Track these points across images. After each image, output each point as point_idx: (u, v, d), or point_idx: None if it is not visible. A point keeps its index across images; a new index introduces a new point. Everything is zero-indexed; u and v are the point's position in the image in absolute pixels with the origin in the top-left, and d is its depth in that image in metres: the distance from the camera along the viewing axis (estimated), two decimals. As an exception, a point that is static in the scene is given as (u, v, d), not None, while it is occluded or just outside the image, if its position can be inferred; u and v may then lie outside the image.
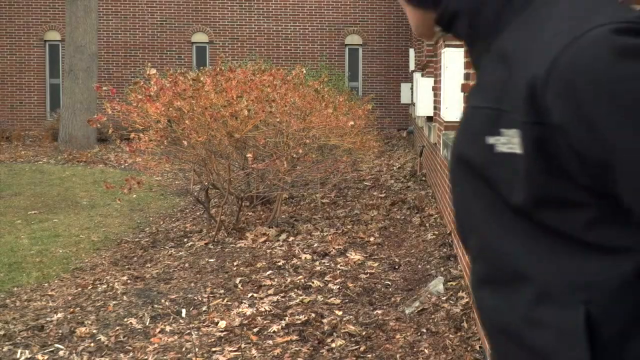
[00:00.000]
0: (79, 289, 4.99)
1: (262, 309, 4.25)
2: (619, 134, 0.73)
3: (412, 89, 14.92)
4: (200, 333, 3.96)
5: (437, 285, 4.53)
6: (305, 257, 5.45)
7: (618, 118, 0.72)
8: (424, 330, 3.89)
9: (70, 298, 4.80)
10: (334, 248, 5.68)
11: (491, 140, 0.83)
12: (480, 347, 3.58)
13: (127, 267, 5.62)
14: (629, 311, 0.77)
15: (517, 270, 0.84)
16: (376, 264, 5.23)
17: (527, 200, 0.81)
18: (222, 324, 4.05)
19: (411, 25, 0.99)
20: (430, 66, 8.95)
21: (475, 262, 0.93)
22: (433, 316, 4.09)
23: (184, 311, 4.35)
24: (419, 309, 4.19)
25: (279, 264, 5.30)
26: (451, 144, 0.95)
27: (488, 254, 0.89)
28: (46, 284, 5.22)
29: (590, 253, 0.80)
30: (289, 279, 4.88)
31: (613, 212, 0.78)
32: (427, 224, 6.42)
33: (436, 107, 7.32)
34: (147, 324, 4.15)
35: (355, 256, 5.41)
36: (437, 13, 0.93)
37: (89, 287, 5.01)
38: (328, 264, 5.25)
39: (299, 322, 4.01)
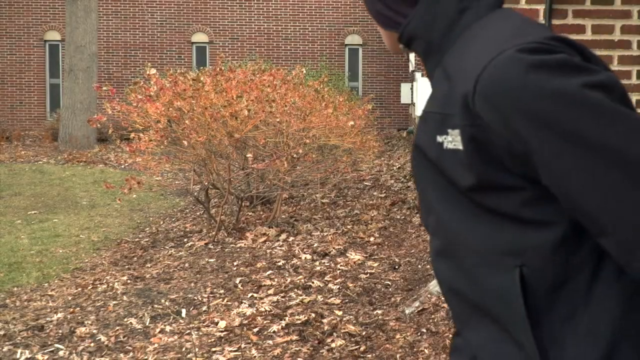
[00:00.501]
0: (79, 289, 4.99)
1: (262, 309, 4.25)
2: (529, 130, 0.92)
3: (412, 89, 14.92)
4: (200, 333, 3.96)
5: (437, 285, 4.53)
6: (305, 257, 5.45)
7: (527, 118, 0.92)
8: (424, 330, 3.89)
9: (70, 298, 4.80)
10: (334, 248, 5.68)
11: (440, 138, 1.03)
12: (480, 347, 3.59)
13: (127, 267, 5.62)
14: (556, 271, 0.97)
15: (463, 243, 1.05)
16: (376, 264, 5.23)
17: (470, 186, 1.00)
18: (222, 324, 4.05)
19: (384, 42, 1.22)
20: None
21: (433, 237, 1.12)
22: (433, 316, 4.09)
23: (184, 311, 4.35)
24: (419, 309, 4.19)
25: (279, 264, 5.30)
26: (415, 134, 1.15)
27: (441, 231, 1.09)
28: (46, 284, 5.22)
29: (524, 226, 0.99)
30: (289, 279, 4.88)
31: (543, 193, 0.97)
32: (427, 224, 6.42)
33: (436, 107, 7.30)
34: (147, 324, 4.15)
35: (355, 256, 5.41)
36: (398, 34, 1.14)
37: (89, 287, 5.01)
38: (328, 264, 5.25)
39: (299, 322, 4.01)
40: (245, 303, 4.42)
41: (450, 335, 3.81)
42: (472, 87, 0.97)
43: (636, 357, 0.98)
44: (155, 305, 4.48)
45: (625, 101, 0.96)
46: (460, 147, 1.00)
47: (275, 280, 4.88)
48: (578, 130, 0.91)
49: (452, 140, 1.01)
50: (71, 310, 4.48)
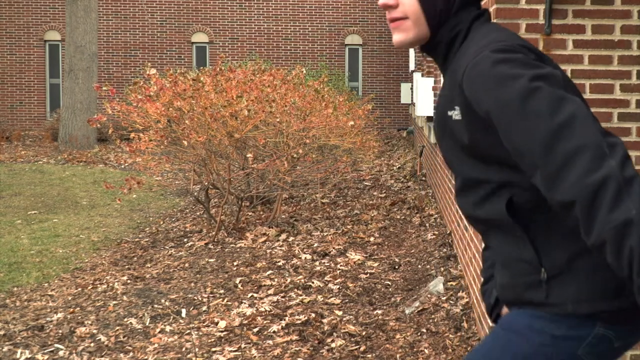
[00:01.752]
0: (79, 289, 4.99)
1: (262, 309, 4.25)
2: (490, 103, 1.41)
3: (412, 89, 14.92)
4: (200, 333, 3.96)
5: (437, 285, 4.53)
6: (305, 257, 5.45)
7: (489, 95, 1.40)
8: (424, 330, 3.89)
9: (70, 298, 4.80)
10: (334, 248, 5.68)
11: (449, 113, 1.54)
12: (480, 347, 3.59)
13: (127, 267, 5.62)
14: (534, 198, 1.49)
15: (472, 180, 1.56)
16: (376, 264, 5.23)
17: (468, 143, 1.52)
18: (222, 324, 4.05)
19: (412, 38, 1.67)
20: (430, 66, 8.96)
21: (456, 179, 1.63)
22: (433, 316, 4.09)
23: (184, 311, 4.35)
24: (419, 309, 4.19)
25: (279, 264, 5.30)
26: (435, 111, 1.66)
27: (459, 174, 1.60)
28: (46, 284, 5.22)
29: (511, 169, 1.49)
30: (289, 279, 4.88)
31: None
32: (427, 224, 6.42)
33: (436, 107, 7.30)
34: (147, 324, 4.15)
35: (355, 256, 5.41)
36: (431, 40, 1.63)
37: (89, 287, 5.01)
38: (328, 264, 5.25)
39: (299, 322, 4.01)
40: (245, 303, 4.42)
41: (450, 335, 3.82)
42: (461, 76, 1.47)
43: (589, 259, 1.51)
44: (155, 305, 4.48)
45: (562, 88, 1.40)
46: (460, 117, 1.51)
47: (275, 280, 4.88)
48: (522, 102, 1.37)
49: (458, 113, 1.51)
50: (71, 310, 4.48)
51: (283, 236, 6.20)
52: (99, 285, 5.04)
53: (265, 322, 4.06)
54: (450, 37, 1.59)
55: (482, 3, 3.56)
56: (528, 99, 1.37)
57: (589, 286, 1.51)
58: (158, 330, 4.04)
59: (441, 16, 1.60)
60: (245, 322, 4.07)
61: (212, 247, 6.02)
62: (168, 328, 4.06)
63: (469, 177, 1.58)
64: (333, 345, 3.70)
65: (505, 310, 1.73)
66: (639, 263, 1.27)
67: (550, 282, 1.53)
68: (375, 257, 5.46)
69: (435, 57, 1.64)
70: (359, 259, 5.34)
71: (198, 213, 7.68)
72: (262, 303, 4.38)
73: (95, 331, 4.05)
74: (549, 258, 1.53)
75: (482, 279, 1.76)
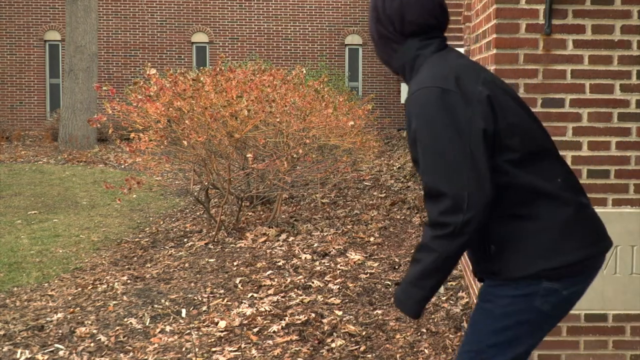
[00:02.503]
0: (79, 289, 4.99)
1: (262, 309, 4.25)
2: (418, 131, 1.87)
3: (412, 89, 14.87)
4: (200, 333, 3.96)
5: (437, 285, 4.53)
6: (305, 257, 5.45)
7: (417, 129, 1.87)
8: (424, 330, 3.89)
9: (70, 298, 4.80)
10: (334, 248, 5.68)
11: (409, 122, 1.91)
12: (480, 347, 3.58)
13: (127, 267, 5.62)
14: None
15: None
16: (376, 264, 5.23)
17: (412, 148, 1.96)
18: (222, 324, 4.05)
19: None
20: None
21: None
22: (433, 316, 4.09)
23: (184, 311, 4.35)
24: (419, 309, 4.18)
25: (279, 264, 5.30)
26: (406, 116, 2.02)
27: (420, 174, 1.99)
28: (46, 284, 5.22)
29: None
30: (289, 279, 4.88)
31: None
32: (427, 224, 6.42)
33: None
34: (147, 324, 4.15)
35: (355, 256, 5.41)
36: (391, 67, 2.10)
37: (89, 287, 5.01)
38: (328, 264, 5.25)
39: (299, 322, 4.01)
40: (245, 303, 4.42)
41: (450, 335, 3.81)
42: (406, 101, 1.93)
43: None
44: (155, 305, 4.48)
45: (462, 117, 1.85)
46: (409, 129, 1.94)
47: (275, 280, 4.88)
48: (425, 131, 1.87)
49: (410, 125, 1.91)
50: (71, 310, 4.48)
51: (283, 236, 6.20)
52: (99, 285, 5.04)
53: (265, 322, 4.06)
54: (406, 69, 2.04)
55: (482, 4, 3.55)
56: (429, 134, 1.87)
57: (529, 253, 1.89)
58: (158, 330, 4.04)
59: (386, 55, 2.10)
60: (245, 322, 4.07)
61: (212, 247, 6.02)
62: (168, 328, 4.06)
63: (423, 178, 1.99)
64: (333, 345, 3.70)
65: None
66: (418, 271, 1.90)
67: (498, 255, 1.93)
68: (375, 257, 5.46)
69: (407, 83, 2.07)
70: (359, 259, 5.34)
71: (198, 213, 7.68)
72: (262, 303, 4.38)
73: (95, 331, 4.05)
74: (494, 237, 1.92)
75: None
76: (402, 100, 16.26)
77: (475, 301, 3.88)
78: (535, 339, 1.98)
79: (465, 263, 4.52)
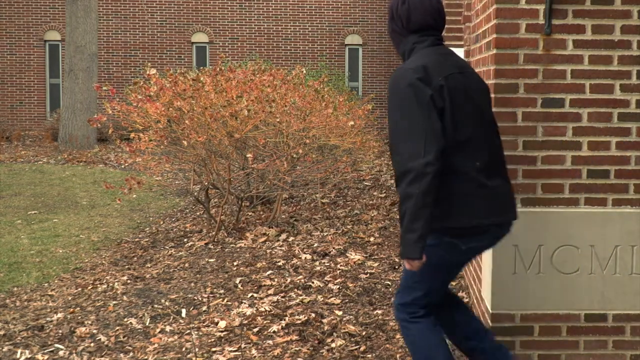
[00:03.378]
0: (79, 289, 4.99)
1: (262, 309, 4.25)
2: (389, 107, 2.57)
3: (412, 89, 14.87)
4: (200, 333, 3.96)
5: (437, 285, 4.53)
6: (305, 257, 5.45)
7: (390, 101, 2.56)
8: (424, 330, 3.88)
9: (70, 298, 4.81)
10: (334, 248, 5.68)
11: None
12: (480, 347, 3.59)
13: (127, 267, 5.62)
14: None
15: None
16: (376, 264, 5.23)
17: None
18: (222, 324, 4.05)
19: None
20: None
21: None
22: (433, 316, 4.08)
23: (184, 311, 4.35)
24: (419, 309, 4.18)
25: (279, 264, 5.30)
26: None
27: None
28: (46, 284, 5.22)
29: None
30: (289, 279, 4.88)
31: None
32: (427, 224, 6.42)
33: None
34: (147, 324, 4.15)
35: (355, 256, 5.41)
36: (399, 54, 2.76)
37: (89, 287, 5.01)
38: (328, 264, 5.25)
39: (299, 322, 4.01)
40: (245, 303, 4.42)
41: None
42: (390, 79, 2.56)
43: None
44: (155, 305, 4.48)
45: (425, 99, 2.48)
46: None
47: (275, 280, 4.88)
48: (396, 102, 2.52)
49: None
50: (71, 310, 4.48)
51: (283, 236, 6.20)
52: (99, 285, 5.04)
53: (265, 322, 4.06)
54: (405, 55, 2.70)
55: (482, 4, 3.56)
56: (397, 109, 2.53)
57: (436, 213, 2.50)
58: (158, 330, 4.05)
59: (397, 41, 2.76)
60: (245, 322, 4.07)
61: (212, 247, 6.02)
62: (168, 328, 4.06)
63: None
64: (333, 345, 3.70)
65: None
66: (406, 217, 2.46)
67: None
68: (375, 257, 5.46)
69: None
70: (359, 259, 5.34)
71: (198, 213, 7.68)
72: (262, 303, 4.38)
73: (95, 331, 4.05)
74: None
75: None
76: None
77: (475, 297, 3.88)
78: (447, 276, 2.71)
79: (465, 263, 4.52)
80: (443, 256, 2.61)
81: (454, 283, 4.67)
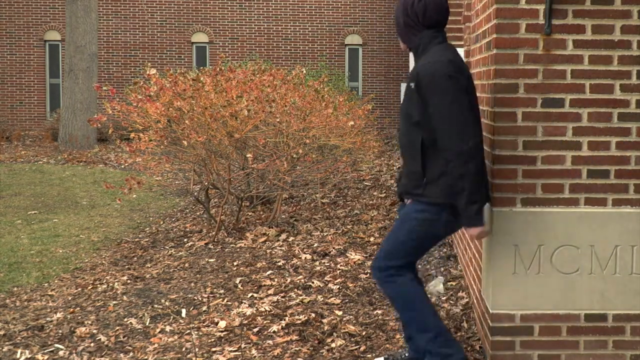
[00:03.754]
0: (79, 289, 5.00)
1: (262, 309, 4.25)
2: (427, 91, 2.87)
3: (412, 89, 14.87)
4: (200, 333, 3.96)
5: (437, 285, 4.54)
6: (305, 257, 5.45)
7: (431, 90, 2.85)
8: (424, 330, 3.88)
9: (70, 298, 4.81)
10: (334, 248, 5.68)
11: (411, 85, 2.94)
12: (480, 347, 3.59)
13: (127, 267, 5.62)
14: (429, 138, 2.93)
15: (406, 117, 3.02)
16: (376, 264, 5.23)
17: (413, 100, 2.97)
18: (222, 324, 4.05)
19: (401, 46, 3.25)
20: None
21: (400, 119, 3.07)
22: (433, 316, 4.08)
23: (184, 311, 4.36)
24: (419, 309, 4.18)
25: (279, 264, 5.30)
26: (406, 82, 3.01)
27: (402, 113, 3.06)
28: (46, 284, 5.22)
29: (424, 127, 2.95)
30: (289, 279, 4.88)
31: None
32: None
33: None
34: (147, 324, 4.16)
35: (355, 256, 5.41)
36: (408, 46, 3.13)
37: (89, 287, 5.01)
38: (328, 264, 5.25)
39: (299, 322, 4.01)
40: (245, 303, 4.42)
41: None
42: (417, 71, 2.88)
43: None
44: (155, 305, 4.48)
45: (462, 85, 2.86)
46: (413, 87, 2.91)
47: (275, 280, 4.88)
48: (440, 91, 2.84)
49: (413, 84, 2.90)
50: (71, 310, 4.48)
51: (283, 236, 6.20)
52: (99, 285, 5.04)
53: (265, 322, 4.06)
54: (420, 49, 3.02)
55: (482, 4, 3.56)
56: (441, 95, 2.84)
57: (443, 190, 2.93)
58: (158, 330, 4.05)
59: (409, 37, 3.07)
60: (245, 322, 4.07)
61: (212, 247, 6.03)
62: (168, 328, 4.06)
63: (406, 119, 2.98)
64: (333, 345, 3.70)
65: (407, 201, 3.11)
66: (463, 192, 2.84)
67: (426, 185, 2.96)
68: (375, 257, 5.46)
69: (414, 56, 3.07)
70: (359, 259, 5.34)
71: (198, 213, 7.68)
72: (262, 303, 4.39)
73: (95, 331, 4.05)
74: (430, 172, 2.95)
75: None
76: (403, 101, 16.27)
77: (475, 297, 3.88)
78: (432, 245, 3.10)
79: (464, 264, 4.52)
80: (438, 230, 3.01)
81: (454, 283, 4.68)
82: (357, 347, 3.68)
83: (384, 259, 3.07)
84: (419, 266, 5.15)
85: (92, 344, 3.86)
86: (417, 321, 3.08)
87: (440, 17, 2.99)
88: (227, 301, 4.50)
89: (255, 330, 3.96)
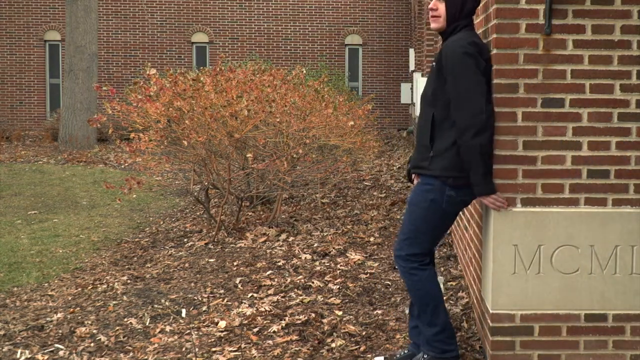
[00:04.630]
0: (79, 289, 5.00)
1: (262, 309, 4.25)
2: (449, 66, 3.12)
3: (412, 88, 14.91)
4: (200, 333, 3.96)
5: (437, 285, 4.53)
6: (305, 257, 5.45)
7: (450, 62, 3.10)
8: (424, 330, 3.88)
9: (70, 298, 4.81)
10: (334, 248, 5.68)
11: (433, 63, 3.28)
12: (480, 347, 3.59)
13: (127, 267, 5.62)
14: (442, 115, 3.19)
15: (430, 94, 3.27)
16: (376, 264, 5.23)
17: (437, 77, 3.25)
18: (222, 324, 4.05)
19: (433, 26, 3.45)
20: (429, 66, 8.96)
21: (424, 94, 3.34)
22: (433, 316, 4.08)
23: (184, 311, 4.36)
24: (419, 309, 4.18)
25: (279, 264, 5.30)
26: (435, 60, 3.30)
27: (427, 90, 3.29)
28: (46, 284, 5.22)
29: (437, 103, 3.22)
30: (289, 279, 4.88)
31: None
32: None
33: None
34: (147, 324, 4.16)
35: (355, 256, 5.41)
36: (445, 27, 3.30)
37: (89, 287, 5.01)
38: (328, 264, 5.25)
39: (299, 322, 4.01)
40: (245, 303, 4.42)
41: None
42: (446, 47, 3.15)
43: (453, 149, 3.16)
44: (155, 305, 4.48)
45: (480, 66, 3.11)
46: (435, 65, 3.23)
47: (275, 280, 4.88)
48: (460, 70, 3.09)
49: (438, 62, 3.19)
50: (71, 310, 4.48)
51: (283, 236, 6.20)
52: (99, 285, 5.04)
53: (265, 322, 4.06)
54: (451, 30, 3.23)
55: (482, 4, 3.57)
56: (463, 72, 3.08)
57: (447, 165, 3.15)
58: (158, 330, 4.05)
59: (453, 20, 3.21)
60: (245, 322, 4.07)
61: (212, 247, 6.03)
62: (168, 328, 4.06)
63: (430, 92, 3.22)
64: (333, 345, 3.70)
65: (415, 180, 3.43)
66: (476, 163, 3.05)
67: (432, 158, 3.19)
68: (375, 257, 5.46)
69: (443, 36, 3.29)
70: (359, 259, 5.34)
71: (198, 213, 7.68)
72: (262, 303, 4.39)
73: (95, 331, 4.05)
74: (437, 144, 3.18)
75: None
76: (402, 101, 16.28)
77: (475, 297, 3.88)
78: (446, 226, 3.30)
79: (464, 264, 4.52)
80: (444, 208, 3.21)
81: (454, 283, 4.67)
82: (357, 347, 3.68)
83: (406, 248, 3.26)
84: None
85: (92, 344, 3.86)
86: (428, 315, 3.27)
87: (476, 4, 3.27)
88: (227, 301, 4.50)
89: (255, 330, 3.96)
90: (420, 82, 8.74)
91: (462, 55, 3.04)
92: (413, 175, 3.46)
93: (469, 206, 4.11)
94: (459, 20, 3.20)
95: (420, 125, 3.26)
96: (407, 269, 3.25)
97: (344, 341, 3.74)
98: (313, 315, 4.10)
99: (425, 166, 3.20)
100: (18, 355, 3.75)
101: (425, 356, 3.31)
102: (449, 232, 5.86)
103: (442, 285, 4.45)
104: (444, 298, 4.34)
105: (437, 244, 3.35)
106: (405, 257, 3.25)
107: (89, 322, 4.21)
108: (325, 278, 4.89)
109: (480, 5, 3.62)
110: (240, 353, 3.65)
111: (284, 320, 4.05)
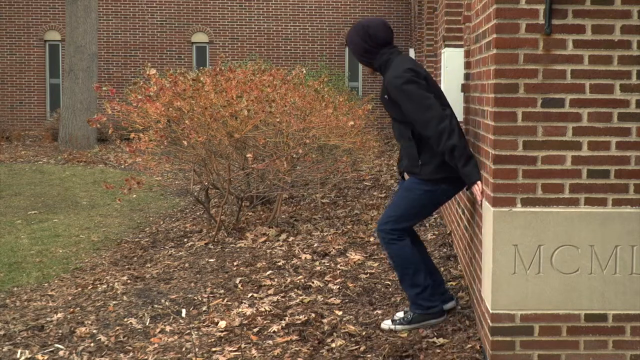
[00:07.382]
0: (79, 289, 5.00)
1: (262, 309, 4.25)
2: (402, 102, 3.69)
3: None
4: (200, 333, 3.96)
5: (437, 285, 4.53)
6: (305, 257, 5.45)
7: (401, 97, 3.66)
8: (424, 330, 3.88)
9: (70, 298, 4.81)
10: (334, 248, 5.68)
11: (385, 96, 3.82)
12: (480, 347, 3.59)
13: (127, 267, 5.62)
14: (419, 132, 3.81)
15: (396, 120, 3.87)
16: (376, 264, 5.23)
17: (392, 108, 3.84)
18: (222, 324, 4.05)
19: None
20: (429, 66, 8.95)
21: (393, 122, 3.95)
22: (433, 316, 4.08)
23: (184, 311, 4.36)
24: (419, 309, 4.18)
25: (279, 264, 5.30)
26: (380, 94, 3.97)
27: (392, 116, 3.89)
28: (46, 284, 5.22)
29: (408, 124, 3.76)
30: (289, 279, 4.88)
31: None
32: (426, 224, 6.43)
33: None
34: (147, 324, 4.16)
35: (355, 256, 5.41)
36: (373, 67, 3.92)
37: (89, 287, 5.01)
38: (328, 264, 5.25)
39: (299, 322, 4.01)
40: (245, 303, 4.42)
41: (450, 335, 3.81)
42: (387, 82, 3.72)
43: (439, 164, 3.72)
44: (155, 305, 4.48)
45: (422, 86, 3.66)
46: (387, 98, 3.77)
47: (275, 280, 4.88)
48: (406, 97, 3.64)
49: (387, 96, 3.78)
50: (71, 310, 4.48)
51: (283, 236, 6.20)
52: (99, 285, 5.04)
53: (265, 322, 4.06)
54: (382, 65, 3.80)
55: (482, 4, 3.56)
56: (409, 98, 3.62)
57: (437, 168, 3.68)
58: (158, 330, 4.05)
59: (369, 59, 3.84)
60: (245, 322, 4.07)
61: (212, 247, 6.03)
62: (168, 328, 4.06)
63: (395, 118, 3.76)
64: (333, 345, 3.70)
65: (407, 176, 3.88)
66: (458, 159, 3.51)
67: (421, 166, 3.71)
68: (375, 257, 5.46)
69: (380, 73, 3.83)
70: (359, 259, 5.34)
71: (198, 213, 7.68)
72: (262, 303, 4.39)
73: (95, 331, 4.05)
74: (423, 156, 3.71)
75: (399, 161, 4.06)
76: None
77: (475, 297, 3.88)
78: (431, 212, 3.95)
79: (464, 264, 4.53)
80: (438, 198, 3.79)
81: (454, 283, 4.67)
82: (357, 347, 3.68)
83: (392, 223, 3.77)
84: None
85: (92, 344, 3.86)
86: (409, 278, 3.82)
87: (387, 35, 3.80)
88: (227, 301, 4.50)
89: (255, 330, 3.96)
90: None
91: (402, 85, 3.60)
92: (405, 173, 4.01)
93: (469, 206, 4.11)
94: (375, 56, 3.79)
95: (398, 136, 3.86)
96: (387, 239, 3.78)
97: (344, 341, 3.74)
98: (313, 315, 4.10)
99: (417, 172, 3.76)
100: (18, 355, 3.75)
101: (411, 313, 3.83)
102: (449, 232, 5.86)
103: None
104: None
105: (418, 223, 4.08)
106: (388, 231, 3.77)
107: (89, 322, 4.21)
108: (325, 278, 4.89)
109: (480, 5, 3.62)
110: (240, 353, 3.65)
111: (284, 320, 4.05)
